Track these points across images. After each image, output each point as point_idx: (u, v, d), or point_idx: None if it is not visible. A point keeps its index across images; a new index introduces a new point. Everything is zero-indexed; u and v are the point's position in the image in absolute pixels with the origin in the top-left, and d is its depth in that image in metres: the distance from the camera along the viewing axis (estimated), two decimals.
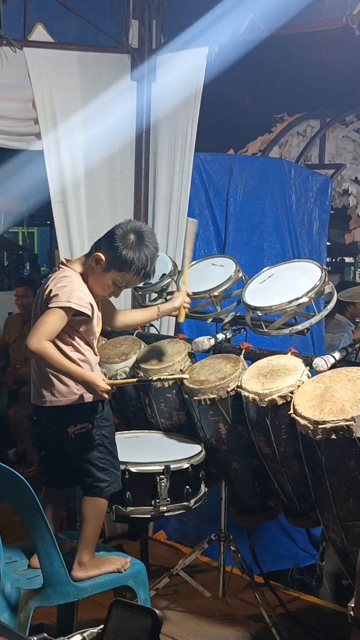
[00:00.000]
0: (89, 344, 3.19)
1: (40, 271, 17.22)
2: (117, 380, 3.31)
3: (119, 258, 3.08)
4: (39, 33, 4.51)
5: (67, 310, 3.01)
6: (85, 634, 1.33)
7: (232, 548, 3.99)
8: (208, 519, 4.82)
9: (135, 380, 3.60)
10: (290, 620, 4.00)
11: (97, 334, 3.27)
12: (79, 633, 1.33)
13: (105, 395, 3.08)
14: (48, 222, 17.54)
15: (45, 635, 1.33)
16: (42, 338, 2.98)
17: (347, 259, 16.18)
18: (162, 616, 1.29)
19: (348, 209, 8.18)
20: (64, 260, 3.24)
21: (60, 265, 3.20)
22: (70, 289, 3.04)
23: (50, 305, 3.01)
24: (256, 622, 4.00)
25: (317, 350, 5.41)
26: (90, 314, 3.09)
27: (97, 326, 3.24)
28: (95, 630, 1.35)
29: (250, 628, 4.01)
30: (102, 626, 1.33)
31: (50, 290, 3.05)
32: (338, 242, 10.06)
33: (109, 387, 3.07)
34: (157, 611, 1.27)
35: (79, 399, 3.11)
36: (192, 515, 4.99)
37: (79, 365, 3.10)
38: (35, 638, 1.28)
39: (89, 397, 3.12)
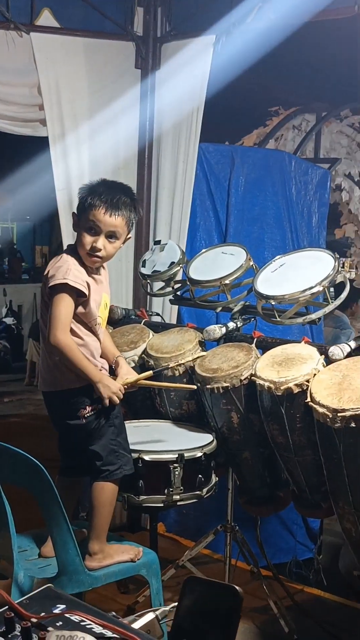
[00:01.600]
0: (91, 329, 3.15)
1: (21, 266, 17.14)
2: (130, 379, 3.23)
3: (82, 203, 3.07)
4: (46, 18, 4.46)
5: (67, 290, 2.98)
6: (157, 612, 1.30)
7: (239, 539, 3.96)
8: (208, 511, 4.79)
9: (147, 374, 3.49)
10: (297, 612, 3.99)
11: (101, 320, 3.22)
12: (151, 611, 1.30)
13: (115, 399, 3.05)
14: (28, 217, 17.48)
15: (114, 613, 1.30)
16: (63, 331, 2.97)
17: None
18: (242, 593, 1.25)
19: (340, 204, 8.18)
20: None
21: (62, 252, 3.18)
22: (66, 267, 3.02)
23: (49, 285, 2.99)
24: (261, 614, 3.98)
25: (316, 342, 5.39)
26: (86, 292, 3.04)
27: (99, 311, 3.18)
28: (167, 608, 1.31)
29: (256, 620, 3.99)
30: (174, 604, 1.29)
31: (48, 272, 3.05)
32: (326, 240, 10.08)
33: (122, 393, 3.07)
34: (237, 588, 1.24)
35: (78, 384, 3.07)
36: (192, 507, 4.95)
37: (82, 351, 3.06)
38: (109, 614, 1.24)
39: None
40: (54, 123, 4.52)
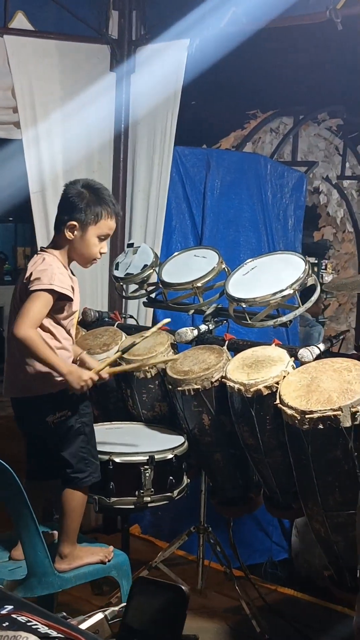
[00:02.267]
0: (68, 332, 3.17)
1: (3, 267, 17.07)
2: (100, 366, 3.25)
3: (90, 214, 3.08)
4: (19, 21, 4.46)
5: (51, 293, 2.98)
6: (106, 612, 1.31)
7: (212, 540, 3.98)
8: (183, 513, 4.80)
9: (116, 356, 3.50)
10: (269, 612, 4.01)
11: (75, 323, 3.25)
12: (100, 611, 1.31)
13: (85, 389, 3.05)
14: (10, 219, 17.42)
15: (64, 614, 1.31)
16: (29, 325, 2.94)
17: (311, 260, 16.34)
18: (189, 591, 1.27)
19: (318, 207, 8.22)
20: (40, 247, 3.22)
21: (39, 251, 3.17)
22: (52, 272, 3.01)
23: (32, 288, 2.97)
24: (234, 614, 4.00)
25: (291, 344, 5.42)
26: (72, 297, 3.08)
27: (75, 315, 3.21)
28: (116, 608, 1.33)
29: (229, 620, 4.01)
30: (123, 604, 1.31)
31: (31, 274, 3.02)
32: (304, 242, 10.11)
33: (92, 382, 3.06)
34: (183, 587, 1.26)
35: (57, 387, 3.06)
36: (167, 509, 4.96)
37: (56, 353, 3.06)
38: (57, 615, 1.25)
39: (61, 386, 3.07)
40: (27, 126, 4.53)
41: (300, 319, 6.50)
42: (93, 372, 3.13)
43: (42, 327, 3.04)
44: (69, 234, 3.10)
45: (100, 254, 3.17)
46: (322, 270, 15.18)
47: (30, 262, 3.11)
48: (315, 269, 16.36)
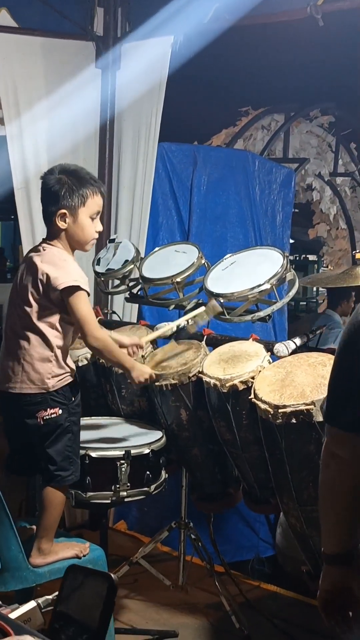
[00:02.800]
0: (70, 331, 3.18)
1: (5, 265, 17.10)
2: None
3: (75, 197, 3.09)
4: (3, 17, 4.46)
5: (80, 288, 3.03)
6: (40, 601, 1.32)
7: (192, 536, 3.98)
8: (169, 509, 4.80)
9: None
10: (250, 608, 4.01)
11: None
12: (33, 600, 1.32)
13: (147, 382, 3.31)
14: (12, 217, 17.46)
15: (0, 602, 1.32)
16: (95, 329, 3.06)
17: (311, 257, 16.31)
18: (117, 580, 1.28)
19: (312, 204, 8.22)
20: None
21: (44, 245, 3.17)
22: (73, 268, 3.07)
23: (62, 287, 2.99)
24: (216, 610, 4.00)
25: (279, 340, 5.41)
26: (89, 292, 3.12)
27: None
28: (50, 597, 1.33)
29: (210, 616, 4.01)
30: (57, 593, 1.31)
31: (48, 275, 3.03)
32: (302, 239, 10.11)
33: (152, 378, 3.33)
34: (112, 575, 1.26)
35: (49, 388, 3.08)
36: (153, 505, 4.98)
37: (56, 353, 3.09)
38: None
39: (57, 385, 3.10)
40: (11, 123, 4.53)
41: (323, 319, 6.40)
42: (150, 366, 3.38)
43: (52, 325, 3.07)
44: (61, 223, 3.11)
45: (97, 232, 3.19)
46: (322, 267, 15.19)
47: (40, 258, 3.10)
48: (315, 266, 16.41)
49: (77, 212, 3.10)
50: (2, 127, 4.60)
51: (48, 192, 3.13)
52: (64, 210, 3.09)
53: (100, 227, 3.21)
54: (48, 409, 3.08)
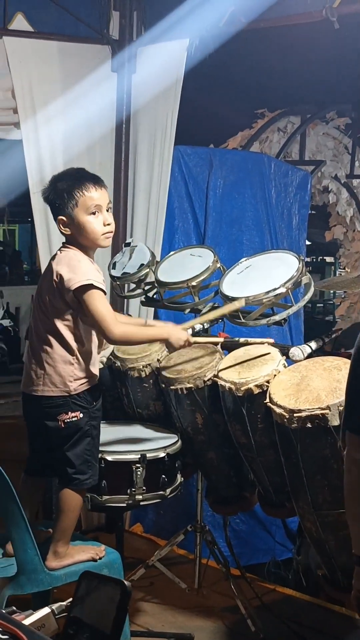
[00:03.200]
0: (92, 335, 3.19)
1: (22, 268, 17.19)
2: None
3: (67, 202, 3.09)
4: (19, 22, 4.49)
5: (94, 287, 3.02)
6: (54, 607, 1.33)
7: (208, 539, 3.99)
8: (185, 512, 4.82)
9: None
10: (266, 611, 4.01)
11: None
12: (47, 606, 1.33)
13: (187, 344, 3.29)
14: (29, 219, 17.55)
15: (14, 608, 1.33)
16: (114, 324, 3.04)
17: (328, 259, 16.28)
18: (131, 587, 1.28)
19: (328, 206, 8.20)
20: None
21: (61, 249, 3.19)
22: (86, 268, 3.07)
23: (75, 287, 3.00)
24: (232, 613, 4.00)
25: (295, 344, 5.41)
26: (106, 291, 3.13)
27: None
28: (64, 603, 1.34)
29: (225, 620, 4.01)
30: (71, 599, 1.32)
31: (61, 275, 3.05)
32: (318, 241, 10.09)
33: (189, 343, 3.30)
34: (126, 582, 1.27)
35: (71, 391, 3.10)
36: (169, 508, 4.99)
37: (78, 356, 3.10)
38: (4, 611, 1.27)
39: (78, 389, 3.11)
40: (28, 127, 4.55)
41: None
42: (182, 327, 3.37)
43: (71, 328, 3.09)
44: (65, 230, 3.13)
45: (106, 225, 3.14)
46: (339, 269, 15.15)
47: (54, 262, 3.14)
48: (332, 268, 16.37)
49: (73, 215, 3.10)
50: (18, 131, 4.62)
51: (49, 205, 3.18)
52: (61, 217, 3.12)
53: (109, 219, 3.15)
54: (69, 412, 3.10)
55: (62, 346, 3.09)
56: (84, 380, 3.13)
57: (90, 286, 3.01)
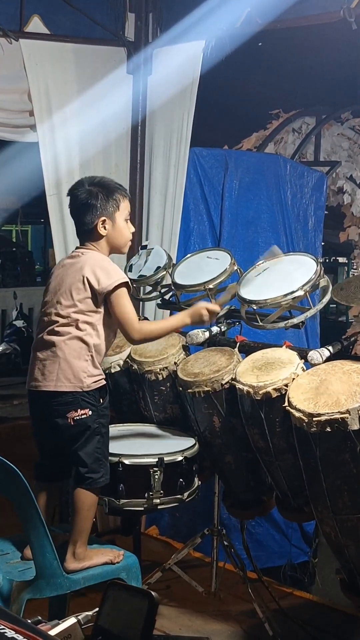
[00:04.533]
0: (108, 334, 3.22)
1: (34, 268, 17.22)
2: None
3: (111, 204, 3.21)
4: (35, 25, 4.49)
5: (125, 285, 3.13)
6: (79, 617, 1.32)
7: (225, 543, 3.97)
8: (201, 514, 4.81)
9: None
10: (283, 615, 3.99)
11: None
12: (73, 616, 1.31)
13: (214, 314, 3.37)
14: (42, 220, 17.58)
15: (39, 617, 1.32)
16: (134, 325, 3.15)
17: (341, 259, 16.21)
18: (158, 598, 1.27)
19: (342, 207, 8.16)
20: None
21: (83, 250, 3.23)
22: (113, 267, 3.17)
23: (111, 287, 3.08)
24: (249, 617, 3.99)
25: (311, 346, 5.39)
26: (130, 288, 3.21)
27: None
28: (90, 613, 1.33)
29: (243, 623, 4.00)
30: (97, 609, 1.31)
31: (88, 278, 3.10)
32: (332, 242, 10.04)
33: (213, 311, 3.35)
34: (153, 593, 1.26)
35: (84, 387, 3.10)
36: (185, 511, 4.98)
37: (93, 353, 3.12)
38: (29, 621, 1.26)
39: (92, 386, 3.12)
40: (44, 129, 4.56)
41: None
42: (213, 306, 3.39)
43: (94, 326, 3.13)
44: (102, 231, 3.21)
45: (131, 233, 3.33)
46: (352, 270, 15.09)
47: (79, 262, 3.17)
48: (345, 269, 16.31)
49: (114, 216, 3.22)
50: (34, 134, 4.62)
51: (83, 205, 3.22)
52: (103, 218, 3.20)
53: (133, 229, 3.34)
54: (79, 410, 3.10)
55: (80, 342, 3.11)
56: (97, 378, 3.15)
57: (121, 285, 3.11)
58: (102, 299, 3.11)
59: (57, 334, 3.13)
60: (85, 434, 3.11)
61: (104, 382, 3.19)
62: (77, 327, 3.11)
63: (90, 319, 3.12)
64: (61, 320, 3.14)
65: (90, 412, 3.11)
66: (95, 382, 3.14)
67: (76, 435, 3.11)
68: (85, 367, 3.11)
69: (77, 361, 3.10)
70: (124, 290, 3.12)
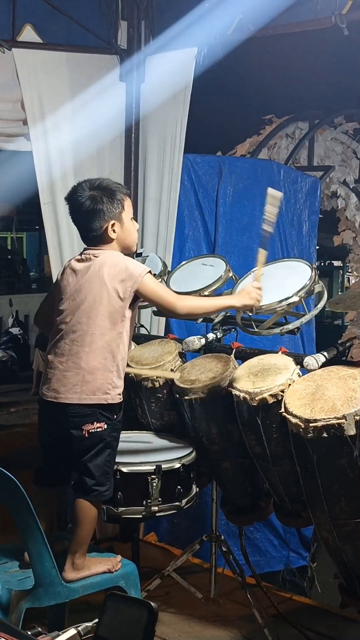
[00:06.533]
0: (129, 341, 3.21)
1: (29, 276, 17.22)
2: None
3: (116, 205, 3.15)
4: (28, 34, 4.50)
5: (149, 272, 3.12)
6: (79, 628, 1.32)
7: (224, 549, 3.98)
8: (200, 521, 4.82)
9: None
10: (282, 620, 3.99)
11: None
12: (73, 627, 1.32)
13: (260, 297, 3.26)
14: (37, 227, 17.58)
15: (39, 629, 1.32)
16: (173, 300, 3.13)
17: (336, 263, 16.25)
18: (158, 608, 1.28)
19: (337, 211, 8.19)
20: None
21: (95, 252, 3.17)
22: (131, 263, 3.13)
23: (141, 279, 3.06)
24: (248, 623, 3.98)
25: (307, 351, 5.41)
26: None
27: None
28: (89, 624, 1.33)
29: (242, 629, 3.99)
30: (96, 620, 1.32)
31: (117, 288, 3.06)
32: (326, 245, 10.08)
33: (259, 289, 3.27)
34: (152, 603, 1.26)
35: (108, 399, 3.08)
36: (183, 517, 4.98)
37: (118, 364, 3.10)
38: (29, 632, 1.26)
39: (116, 398, 3.11)
40: (37, 137, 4.56)
41: None
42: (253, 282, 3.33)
43: (120, 334, 3.09)
44: (112, 234, 3.16)
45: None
46: (347, 273, 15.13)
47: (98, 262, 3.12)
48: (341, 272, 16.35)
49: (122, 217, 3.17)
50: (27, 143, 4.62)
51: (89, 212, 3.13)
52: (113, 221, 3.14)
53: (137, 226, 3.32)
54: (95, 423, 3.07)
55: (106, 352, 3.07)
56: (121, 389, 3.13)
57: (145, 273, 3.09)
58: (131, 300, 3.08)
59: (80, 343, 3.08)
60: (97, 446, 3.09)
61: (121, 397, 3.16)
62: (102, 337, 3.06)
63: (117, 328, 3.08)
64: (84, 329, 3.08)
65: (105, 426, 3.09)
66: (118, 394, 3.11)
67: (88, 448, 3.09)
68: (110, 379, 3.08)
69: (103, 373, 3.06)
70: (148, 276, 3.08)
